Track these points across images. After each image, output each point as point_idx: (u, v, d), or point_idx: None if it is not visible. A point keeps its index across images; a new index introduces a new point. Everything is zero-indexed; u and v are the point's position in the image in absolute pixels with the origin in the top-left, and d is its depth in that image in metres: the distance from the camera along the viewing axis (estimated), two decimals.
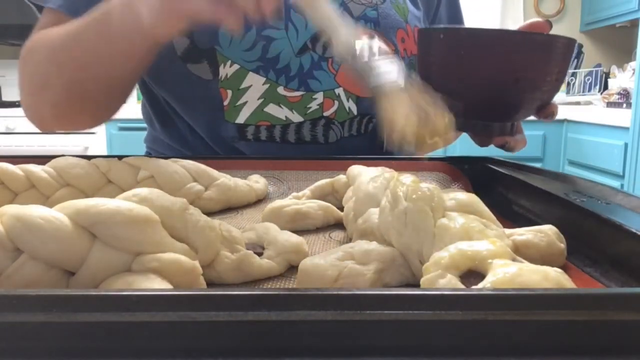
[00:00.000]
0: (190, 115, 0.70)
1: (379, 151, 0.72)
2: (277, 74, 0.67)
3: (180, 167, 0.50)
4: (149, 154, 0.75)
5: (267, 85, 0.67)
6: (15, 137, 2.36)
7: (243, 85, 0.66)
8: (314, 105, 0.68)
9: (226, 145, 0.70)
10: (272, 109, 0.67)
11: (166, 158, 0.52)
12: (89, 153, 2.36)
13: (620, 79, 2.67)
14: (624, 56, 2.93)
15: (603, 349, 0.21)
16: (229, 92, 0.67)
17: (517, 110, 0.57)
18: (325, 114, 0.69)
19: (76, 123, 0.70)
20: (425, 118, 0.40)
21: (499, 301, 0.21)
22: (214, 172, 0.52)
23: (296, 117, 0.68)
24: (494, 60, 0.53)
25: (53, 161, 0.47)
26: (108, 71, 0.60)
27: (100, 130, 2.42)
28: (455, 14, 0.86)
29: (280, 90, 0.67)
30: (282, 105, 0.67)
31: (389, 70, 0.43)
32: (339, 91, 0.69)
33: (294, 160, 0.61)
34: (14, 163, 0.47)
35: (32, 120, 0.68)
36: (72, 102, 0.63)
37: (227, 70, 0.66)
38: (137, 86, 0.73)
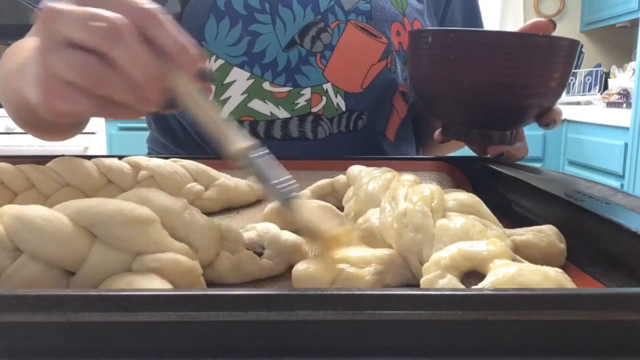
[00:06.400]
0: (180, 113, 0.70)
1: (370, 148, 0.71)
2: (263, 69, 0.66)
3: (180, 167, 0.50)
4: (149, 154, 0.76)
5: (251, 81, 0.66)
6: (15, 137, 2.36)
7: (227, 80, 0.66)
8: (301, 101, 0.67)
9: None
10: (256, 104, 0.67)
11: (166, 158, 0.52)
12: (89, 153, 2.36)
13: (620, 79, 2.67)
14: (624, 56, 2.93)
15: (603, 349, 0.21)
16: (212, 87, 0.66)
17: (513, 118, 0.54)
18: (314, 110, 0.68)
19: (49, 138, 0.68)
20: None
21: (499, 301, 0.21)
22: (214, 172, 0.52)
23: (282, 113, 0.67)
24: (483, 64, 0.50)
25: (53, 161, 0.47)
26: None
27: (100, 130, 2.43)
28: (473, 15, 0.82)
29: (266, 85, 0.66)
30: (267, 101, 0.67)
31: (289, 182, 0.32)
32: (327, 87, 0.67)
33: (294, 160, 0.61)
34: (14, 163, 0.46)
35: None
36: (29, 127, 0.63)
37: (211, 65, 0.66)
38: None
